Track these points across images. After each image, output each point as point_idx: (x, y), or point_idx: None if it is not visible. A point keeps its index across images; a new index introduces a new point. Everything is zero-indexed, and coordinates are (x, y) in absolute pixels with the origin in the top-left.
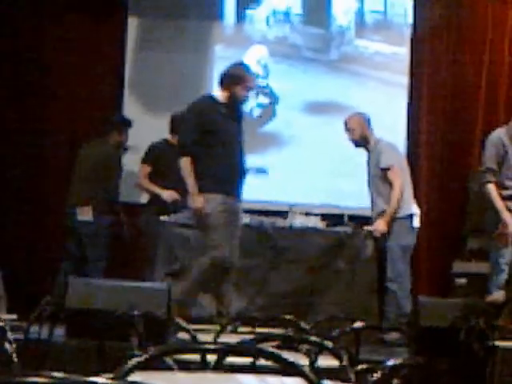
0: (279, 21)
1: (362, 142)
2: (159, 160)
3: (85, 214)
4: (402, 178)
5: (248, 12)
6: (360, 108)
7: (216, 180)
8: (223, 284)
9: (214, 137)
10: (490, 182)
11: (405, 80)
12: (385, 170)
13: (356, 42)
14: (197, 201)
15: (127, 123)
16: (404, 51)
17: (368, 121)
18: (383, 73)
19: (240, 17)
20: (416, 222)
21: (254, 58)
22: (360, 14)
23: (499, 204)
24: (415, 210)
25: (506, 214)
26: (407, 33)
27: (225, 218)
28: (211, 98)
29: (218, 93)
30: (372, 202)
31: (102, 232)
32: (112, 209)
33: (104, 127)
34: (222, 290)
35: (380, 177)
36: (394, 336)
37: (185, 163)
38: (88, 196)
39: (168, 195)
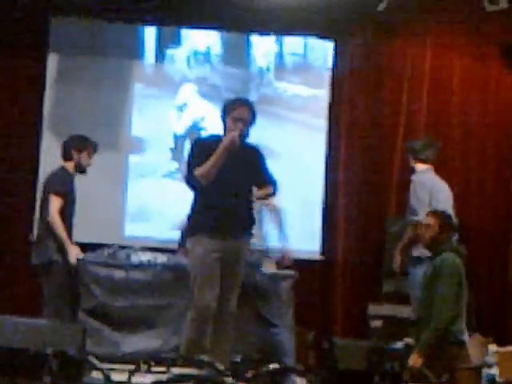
0: (199, 61)
1: None
2: (66, 190)
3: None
4: None
5: (168, 52)
6: (278, 150)
7: (204, 220)
8: (218, 332)
9: None
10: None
11: (324, 123)
12: None
13: (275, 83)
14: None
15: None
16: (323, 94)
17: None
18: (302, 115)
19: (160, 56)
20: None
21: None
22: (279, 56)
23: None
24: None
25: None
26: (326, 76)
27: (212, 262)
28: (213, 135)
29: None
30: None
31: None
32: None
33: None
34: (217, 340)
35: None
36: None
37: None
38: None
39: (73, 256)
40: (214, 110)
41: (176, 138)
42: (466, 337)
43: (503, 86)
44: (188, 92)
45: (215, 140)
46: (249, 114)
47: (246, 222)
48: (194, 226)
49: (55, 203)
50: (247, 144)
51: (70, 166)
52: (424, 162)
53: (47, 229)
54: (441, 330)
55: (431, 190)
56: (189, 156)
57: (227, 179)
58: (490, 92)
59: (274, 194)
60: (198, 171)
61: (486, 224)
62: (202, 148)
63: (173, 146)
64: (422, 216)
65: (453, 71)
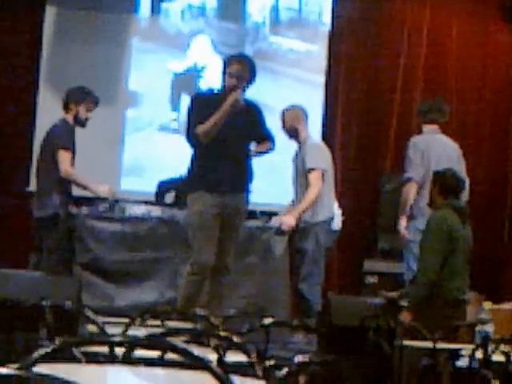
0: (194, 15)
1: (292, 134)
2: (71, 143)
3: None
4: (324, 182)
5: (163, 5)
6: (274, 105)
7: (204, 177)
8: (214, 287)
9: None
10: None
11: (319, 78)
12: (308, 171)
13: (270, 38)
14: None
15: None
16: (318, 49)
17: (304, 116)
18: (297, 70)
19: (155, 10)
20: (336, 225)
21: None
22: (275, 10)
23: None
24: (336, 212)
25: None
26: (322, 31)
27: (211, 218)
28: (211, 90)
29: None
30: (295, 197)
31: None
32: None
33: None
34: (213, 294)
35: (304, 176)
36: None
37: None
38: None
39: (106, 191)
40: (208, 63)
41: (173, 87)
42: (466, 296)
43: (501, 45)
44: (201, 44)
45: (214, 95)
46: (244, 70)
47: (244, 178)
48: (194, 182)
49: (66, 158)
50: (246, 100)
51: (70, 118)
52: (431, 123)
53: (51, 182)
54: (427, 285)
55: (423, 149)
56: (188, 113)
57: (226, 135)
58: (487, 50)
59: (272, 149)
60: (200, 129)
61: (481, 182)
62: (202, 104)
63: (169, 98)
64: (411, 174)
65: (451, 28)
